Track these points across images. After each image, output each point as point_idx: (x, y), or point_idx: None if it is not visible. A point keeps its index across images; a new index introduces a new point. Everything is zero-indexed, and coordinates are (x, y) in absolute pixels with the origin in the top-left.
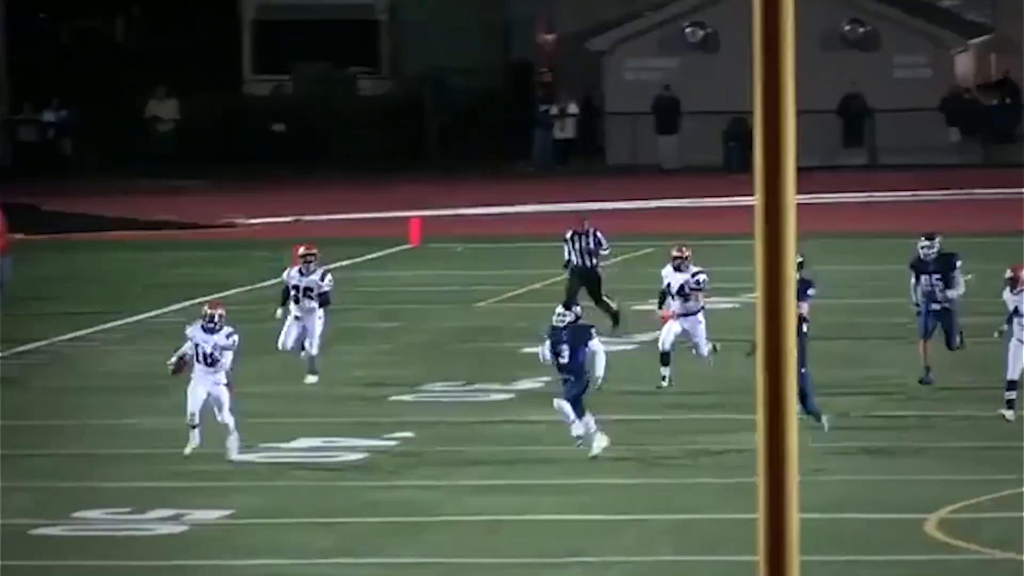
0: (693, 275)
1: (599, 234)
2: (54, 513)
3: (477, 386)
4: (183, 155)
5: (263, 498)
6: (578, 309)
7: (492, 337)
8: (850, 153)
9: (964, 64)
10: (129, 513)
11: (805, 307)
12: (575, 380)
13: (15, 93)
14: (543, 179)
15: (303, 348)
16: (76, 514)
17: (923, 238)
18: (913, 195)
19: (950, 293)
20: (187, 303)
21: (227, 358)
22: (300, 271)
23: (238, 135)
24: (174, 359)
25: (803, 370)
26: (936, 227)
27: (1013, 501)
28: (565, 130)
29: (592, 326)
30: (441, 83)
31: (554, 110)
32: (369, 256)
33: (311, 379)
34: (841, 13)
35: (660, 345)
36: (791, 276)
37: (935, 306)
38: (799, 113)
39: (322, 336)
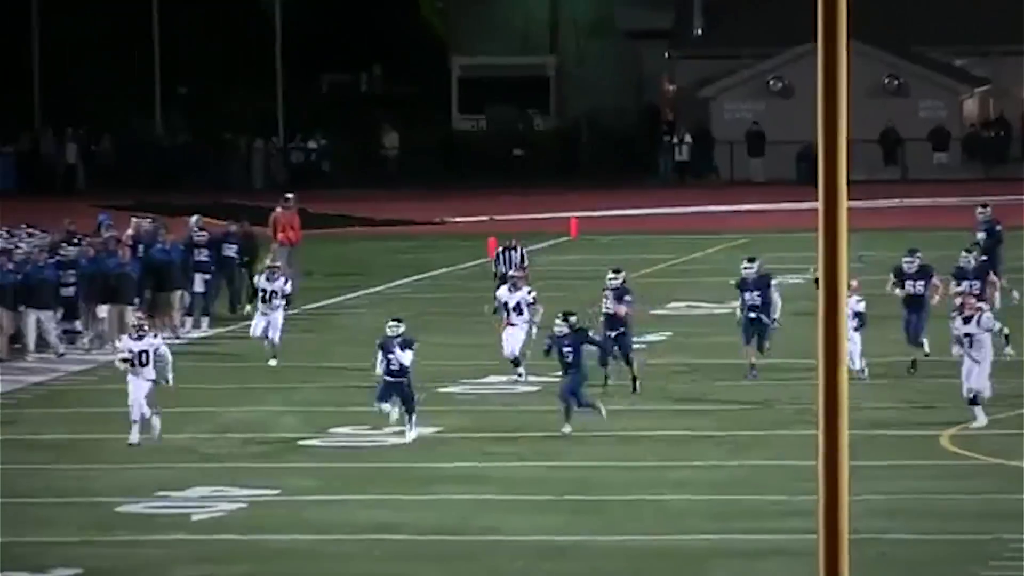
0: (528, 293)
1: (523, 251)
2: (315, 429)
3: None
4: (406, 173)
5: (467, 418)
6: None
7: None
8: (887, 170)
9: (971, 107)
10: (370, 430)
11: (623, 309)
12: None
13: (289, 127)
14: (666, 190)
15: (267, 336)
16: (331, 430)
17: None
18: (933, 201)
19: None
20: (410, 279)
21: (164, 357)
22: (267, 278)
23: (448, 158)
24: (120, 364)
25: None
26: (950, 224)
27: (1005, 423)
28: (682, 155)
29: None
30: (594, 121)
31: (674, 140)
32: (541, 245)
33: (272, 362)
34: (882, 70)
35: (507, 353)
36: (844, 259)
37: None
38: (850, 142)
39: (283, 329)
